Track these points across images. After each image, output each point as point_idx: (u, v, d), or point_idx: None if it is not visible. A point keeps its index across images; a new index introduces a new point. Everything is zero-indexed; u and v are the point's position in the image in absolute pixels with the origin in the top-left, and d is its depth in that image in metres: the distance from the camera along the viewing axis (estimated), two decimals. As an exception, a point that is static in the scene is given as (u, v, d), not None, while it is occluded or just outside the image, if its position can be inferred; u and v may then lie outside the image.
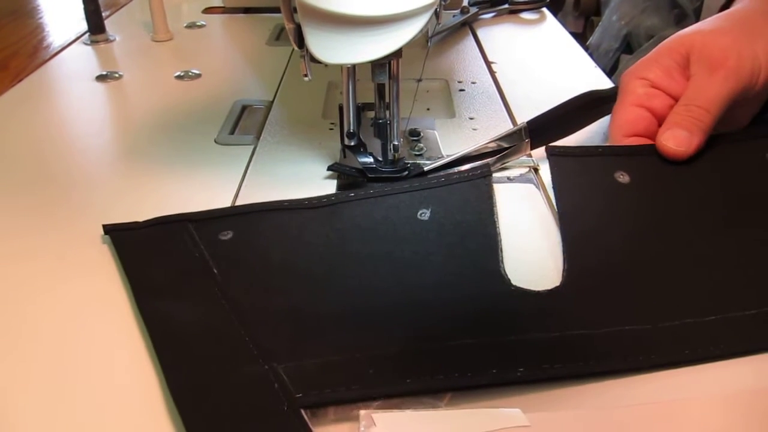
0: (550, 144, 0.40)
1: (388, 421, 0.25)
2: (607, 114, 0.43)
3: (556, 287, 0.31)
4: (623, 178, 0.37)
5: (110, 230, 0.36)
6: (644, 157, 0.38)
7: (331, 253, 0.34)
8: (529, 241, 0.36)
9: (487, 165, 0.39)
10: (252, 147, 0.47)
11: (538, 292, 0.31)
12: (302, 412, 0.25)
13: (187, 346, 0.29)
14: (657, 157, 0.38)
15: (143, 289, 0.32)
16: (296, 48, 0.35)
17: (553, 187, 0.37)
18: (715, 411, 0.26)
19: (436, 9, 0.35)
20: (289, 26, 0.35)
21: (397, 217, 0.36)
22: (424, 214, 0.35)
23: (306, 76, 0.37)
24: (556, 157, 0.38)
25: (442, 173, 0.40)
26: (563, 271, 0.32)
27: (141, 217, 0.38)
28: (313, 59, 0.35)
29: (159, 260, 0.34)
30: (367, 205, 0.37)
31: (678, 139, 0.38)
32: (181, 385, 0.26)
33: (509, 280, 0.32)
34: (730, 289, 0.31)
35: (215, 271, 0.32)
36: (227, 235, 0.35)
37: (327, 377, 0.27)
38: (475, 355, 0.28)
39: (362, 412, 0.25)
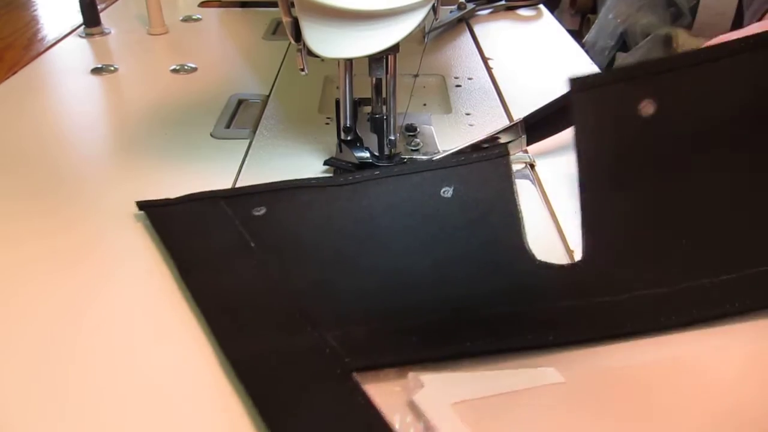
0: (572, 77, 0.32)
1: (435, 382, 0.26)
2: None
3: (578, 261, 0.32)
4: (648, 108, 0.32)
5: (145, 206, 0.37)
6: (676, 73, 0.32)
7: (359, 228, 0.35)
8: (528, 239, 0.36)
9: (504, 145, 0.40)
10: (248, 141, 0.47)
11: (562, 265, 0.32)
12: (353, 375, 0.27)
13: (237, 316, 0.30)
14: (691, 72, 0.32)
15: (186, 262, 0.33)
16: (293, 42, 0.35)
17: (575, 132, 0.32)
18: (740, 367, 0.28)
19: (433, 4, 0.35)
20: (286, 20, 0.35)
21: (421, 194, 0.37)
22: (447, 192, 0.36)
23: (302, 70, 0.37)
24: (578, 94, 0.32)
25: (462, 154, 0.41)
26: (583, 243, 0.32)
27: (139, 212, 0.38)
28: (310, 53, 0.35)
29: (197, 235, 0.35)
30: (392, 183, 0.38)
31: None
32: (239, 354, 0.28)
33: (533, 254, 0.33)
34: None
35: (252, 245, 0.34)
36: (260, 211, 0.36)
37: (373, 343, 0.28)
38: (509, 321, 0.29)
39: (410, 374, 0.27)
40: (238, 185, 0.41)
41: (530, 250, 0.33)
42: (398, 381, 0.27)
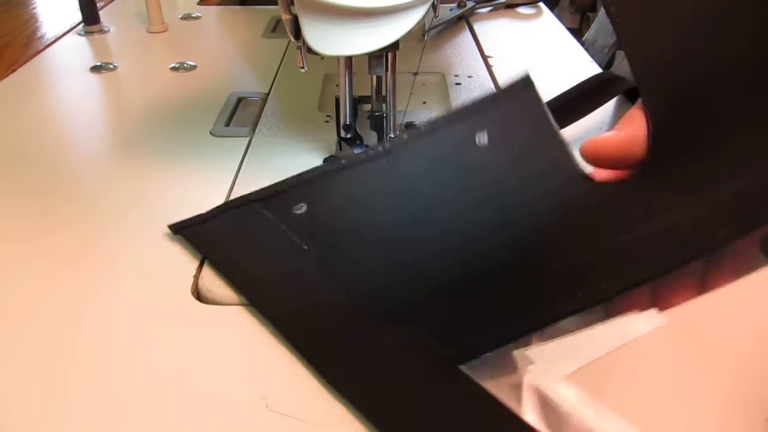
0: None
1: (543, 356, 0.25)
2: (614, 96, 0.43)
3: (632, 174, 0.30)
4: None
5: (180, 228, 0.35)
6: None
7: (408, 203, 0.33)
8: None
9: (527, 74, 0.36)
10: (248, 139, 0.46)
11: (624, 180, 0.29)
12: (460, 368, 0.25)
13: (319, 327, 0.28)
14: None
15: (245, 282, 0.31)
16: (293, 39, 0.35)
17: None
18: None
19: (433, 2, 0.35)
20: (285, 17, 0.35)
21: (456, 149, 0.34)
22: (482, 138, 0.33)
23: (302, 67, 0.37)
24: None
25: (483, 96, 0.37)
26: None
27: (136, 209, 0.38)
28: (310, 51, 0.35)
29: (245, 248, 0.33)
30: (423, 146, 0.35)
31: None
32: (334, 364, 0.27)
33: (588, 174, 0.30)
34: None
35: (305, 247, 0.32)
36: (301, 209, 0.34)
37: (467, 329, 0.27)
38: (595, 265, 0.27)
39: (514, 353, 0.25)
40: (237, 183, 0.41)
41: (584, 171, 0.30)
42: (503, 364, 0.25)
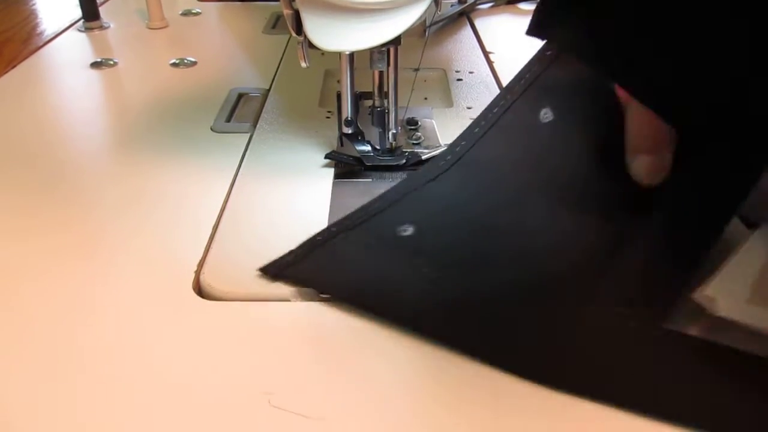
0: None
1: (720, 290, 0.25)
2: None
3: None
4: None
5: (276, 274, 0.31)
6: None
7: (495, 199, 0.31)
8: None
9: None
10: (248, 135, 0.46)
11: None
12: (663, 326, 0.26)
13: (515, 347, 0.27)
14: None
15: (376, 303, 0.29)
16: (294, 34, 0.35)
17: None
18: None
19: (435, -4, 0.35)
20: (287, 12, 0.35)
21: (522, 130, 0.32)
22: (547, 115, 0.32)
23: (304, 63, 0.37)
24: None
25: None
26: None
27: (137, 205, 0.38)
28: (311, 46, 0.35)
29: (362, 278, 0.30)
30: (485, 137, 0.33)
31: None
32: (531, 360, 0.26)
33: None
34: None
35: (425, 270, 0.29)
36: (408, 230, 0.31)
37: (643, 289, 0.27)
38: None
39: (694, 294, 0.26)
40: (238, 179, 0.41)
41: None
42: (687, 314, 0.26)
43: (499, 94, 0.35)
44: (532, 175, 0.31)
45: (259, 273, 0.31)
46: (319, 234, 0.32)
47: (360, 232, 0.31)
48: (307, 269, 0.31)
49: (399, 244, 0.31)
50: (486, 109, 0.35)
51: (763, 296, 0.25)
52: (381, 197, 0.33)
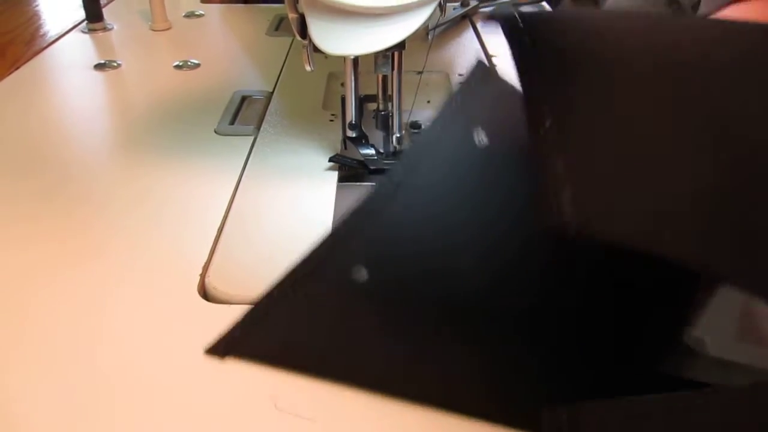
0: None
1: (708, 324, 0.25)
2: None
3: None
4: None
5: (225, 352, 0.25)
6: None
7: (435, 235, 0.28)
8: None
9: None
10: (252, 137, 0.46)
11: None
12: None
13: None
14: None
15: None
16: (299, 38, 0.35)
17: None
18: None
19: (440, 1, 0.35)
20: (292, 16, 0.35)
21: (459, 155, 0.29)
22: (482, 138, 0.29)
23: (309, 66, 0.37)
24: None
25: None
26: None
27: (142, 208, 0.38)
28: (316, 50, 0.35)
29: (318, 335, 0.26)
30: (422, 161, 0.29)
31: None
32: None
33: None
34: None
35: (380, 320, 0.26)
36: (361, 273, 0.27)
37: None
38: None
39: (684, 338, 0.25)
40: (242, 182, 0.41)
41: None
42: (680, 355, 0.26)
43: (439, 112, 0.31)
44: (466, 213, 0.29)
45: (207, 353, 0.25)
46: (271, 290, 0.26)
47: (314, 281, 0.27)
48: (260, 340, 0.26)
49: (354, 291, 0.27)
50: (427, 127, 0.31)
51: (750, 332, 0.25)
52: (331, 233, 0.28)
